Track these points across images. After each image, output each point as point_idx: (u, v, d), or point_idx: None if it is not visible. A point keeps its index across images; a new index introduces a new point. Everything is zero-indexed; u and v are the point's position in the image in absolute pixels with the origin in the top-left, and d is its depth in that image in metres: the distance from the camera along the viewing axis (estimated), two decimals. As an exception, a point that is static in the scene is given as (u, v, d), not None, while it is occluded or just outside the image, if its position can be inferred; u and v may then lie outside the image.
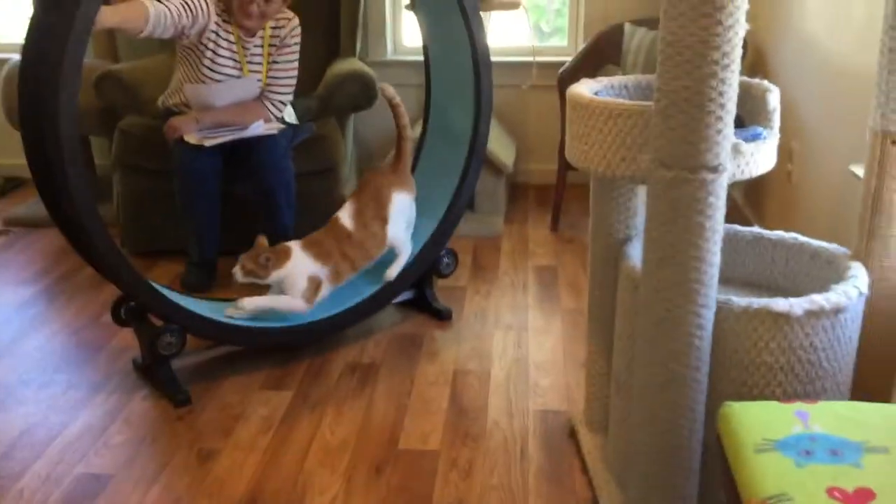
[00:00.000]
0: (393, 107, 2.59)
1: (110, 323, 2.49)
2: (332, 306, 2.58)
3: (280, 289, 2.45)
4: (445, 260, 2.81)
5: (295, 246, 2.46)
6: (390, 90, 2.58)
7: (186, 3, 2.72)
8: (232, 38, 2.90)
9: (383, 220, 2.54)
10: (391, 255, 2.62)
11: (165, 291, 2.34)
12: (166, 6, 2.64)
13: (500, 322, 2.78)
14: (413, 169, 2.92)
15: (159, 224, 3.22)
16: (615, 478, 1.85)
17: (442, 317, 2.79)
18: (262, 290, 2.49)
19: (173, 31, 2.71)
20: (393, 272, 2.62)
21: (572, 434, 2.15)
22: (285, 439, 2.16)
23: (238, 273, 2.39)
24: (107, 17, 2.25)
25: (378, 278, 2.64)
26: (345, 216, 2.53)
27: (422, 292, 2.82)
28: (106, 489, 1.97)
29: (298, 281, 2.43)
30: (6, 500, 1.93)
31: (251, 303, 2.43)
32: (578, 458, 2.06)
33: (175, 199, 2.95)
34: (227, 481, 2.00)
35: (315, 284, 2.45)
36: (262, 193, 2.90)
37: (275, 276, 2.41)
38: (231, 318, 2.42)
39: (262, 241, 2.45)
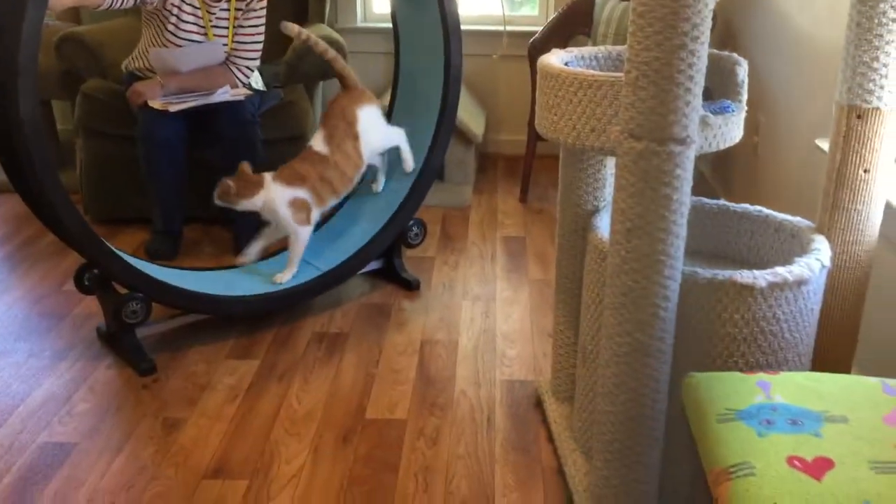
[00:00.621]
0: (304, 42, 2.57)
1: (74, 291, 2.45)
2: (300, 276, 2.56)
3: (263, 217, 2.50)
4: (414, 230, 2.81)
5: (267, 175, 2.47)
6: (291, 27, 2.52)
7: None
8: (196, 2, 2.84)
9: (355, 138, 2.54)
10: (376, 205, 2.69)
11: (130, 259, 2.31)
12: None
13: (468, 292, 2.79)
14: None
15: (123, 191, 3.17)
16: (580, 447, 1.88)
17: (410, 287, 2.79)
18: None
19: (134, 2, 2.66)
20: (408, 164, 2.68)
21: (538, 403, 2.17)
22: (252, 408, 2.15)
23: (216, 197, 2.43)
24: None
25: (344, 247, 2.64)
26: (317, 142, 2.53)
27: (390, 262, 2.82)
28: (70, 457, 1.95)
29: (279, 209, 2.45)
30: (-33, 468, 1.91)
31: (289, 273, 2.54)
32: (544, 428, 2.08)
33: (139, 165, 2.90)
34: (193, 450, 1.99)
35: (302, 206, 2.47)
36: (229, 160, 2.85)
37: (246, 204, 2.43)
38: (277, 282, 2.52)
39: (245, 167, 2.45)
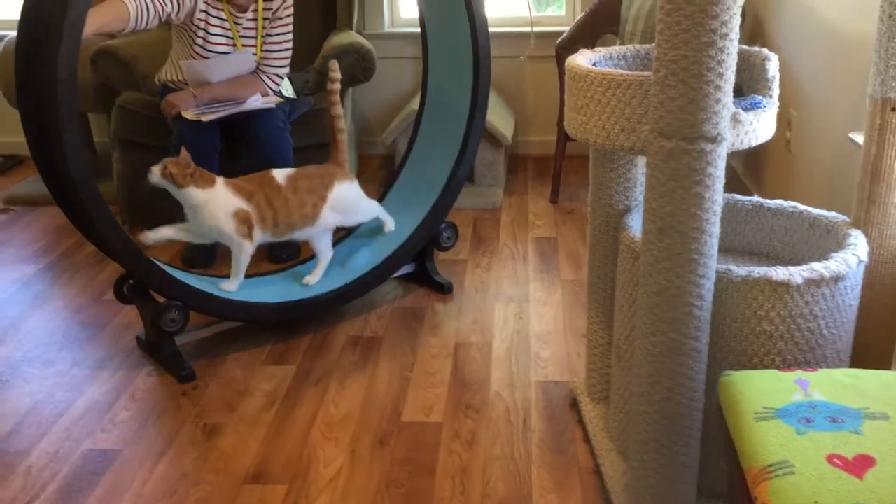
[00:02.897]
0: (330, 91, 2.52)
1: (113, 300, 2.50)
2: (333, 281, 2.59)
3: (193, 216, 2.40)
4: (446, 233, 2.81)
5: (219, 179, 2.42)
6: (334, 72, 2.51)
7: None
8: (223, 15, 2.88)
9: (321, 199, 2.50)
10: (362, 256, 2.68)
11: (167, 268, 2.34)
12: None
13: (500, 294, 2.79)
14: (411, 142, 2.91)
15: (159, 201, 3.21)
16: (617, 446, 1.87)
17: (443, 290, 2.80)
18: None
19: (158, 22, 2.71)
20: (388, 226, 2.66)
21: (574, 404, 2.17)
22: (289, 414, 2.18)
23: (155, 173, 2.34)
24: (86, 25, 2.21)
25: (377, 251, 2.65)
26: (278, 173, 2.49)
27: (422, 265, 2.83)
28: (113, 465, 1.99)
29: (220, 216, 2.38)
30: (14, 476, 1.95)
31: (233, 284, 2.47)
32: (580, 428, 2.08)
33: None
34: (233, 456, 2.02)
35: (244, 219, 2.40)
36: (261, 168, 2.89)
37: (191, 192, 2.35)
38: (225, 291, 2.46)
39: (187, 154, 2.38)
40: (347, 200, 2.57)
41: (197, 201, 2.37)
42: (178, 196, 2.38)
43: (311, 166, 2.57)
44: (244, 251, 2.44)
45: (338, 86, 2.52)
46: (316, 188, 2.50)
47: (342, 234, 2.86)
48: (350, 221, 2.64)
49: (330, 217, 2.54)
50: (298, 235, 2.55)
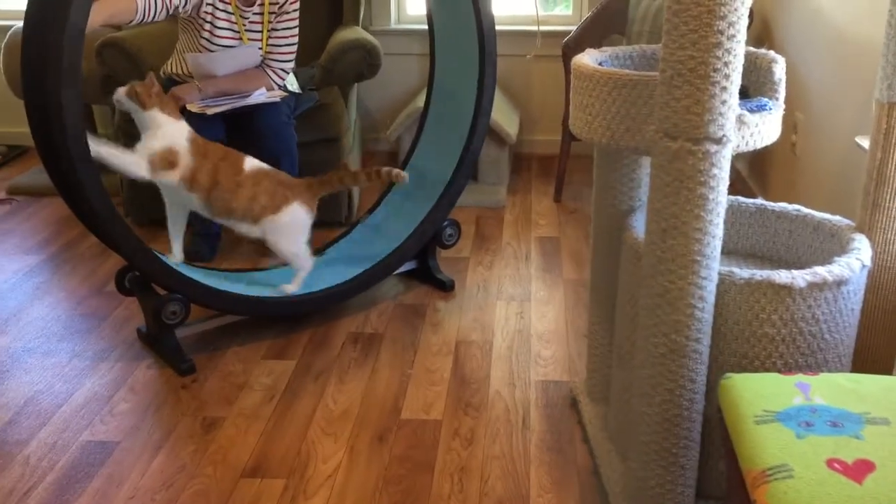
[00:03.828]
0: (387, 177, 2.50)
1: (114, 292, 2.50)
2: (334, 277, 2.58)
3: (143, 135, 2.33)
4: (448, 230, 2.81)
5: (185, 123, 2.37)
6: (399, 176, 2.50)
7: None
8: (230, 8, 2.87)
9: (271, 209, 2.41)
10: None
11: (169, 261, 2.34)
12: None
13: (502, 293, 2.79)
14: (416, 139, 2.91)
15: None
16: (616, 447, 1.87)
17: (445, 287, 2.79)
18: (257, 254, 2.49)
19: (166, 14, 2.71)
20: (294, 287, 2.51)
21: (574, 404, 2.16)
22: (288, 408, 2.18)
23: (121, 93, 2.30)
24: (93, 16, 2.20)
25: (379, 248, 2.65)
26: (249, 161, 2.44)
27: (425, 263, 2.83)
28: (111, 456, 1.99)
29: (158, 135, 2.29)
30: (13, 466, 1.95)
31: (101, 150, 2.22)
32: (580, 428, 2.08)
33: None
34: (231, 450, 2.01)
35: (167, 159, 2.29)
36: (266, 161, 2.88)
37: (152, 116, 2.29)
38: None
39: (153, 77, 2.34)
40: (289, 223, 2.45)
41: (154, 122, 2.30)
42: (139, 120, 2.31)
43: (288, 177, 2.52)
44: (135, 169, 2.27)
45: (386, 181, 2.51)
46: (275, 196, 2.42)
47: (343, 231, 2.86)
48: (274, 246, 2.49)
49: (272, 228, 2.44)
50: (236, 227, 2.45)
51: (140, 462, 1.97)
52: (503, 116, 3.66)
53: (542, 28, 3.83)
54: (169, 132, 2.33)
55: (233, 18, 2.89)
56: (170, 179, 2.33)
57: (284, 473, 1.93)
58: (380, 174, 2.50)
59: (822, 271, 1.49)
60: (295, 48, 3.00)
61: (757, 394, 1.30)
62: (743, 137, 1.51)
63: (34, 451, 2.01)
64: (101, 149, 2.21)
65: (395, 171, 2.50)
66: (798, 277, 1.48)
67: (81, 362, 2.39)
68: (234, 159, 2.43)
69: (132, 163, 2.29)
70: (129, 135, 3.18)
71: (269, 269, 2.70)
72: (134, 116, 2.34)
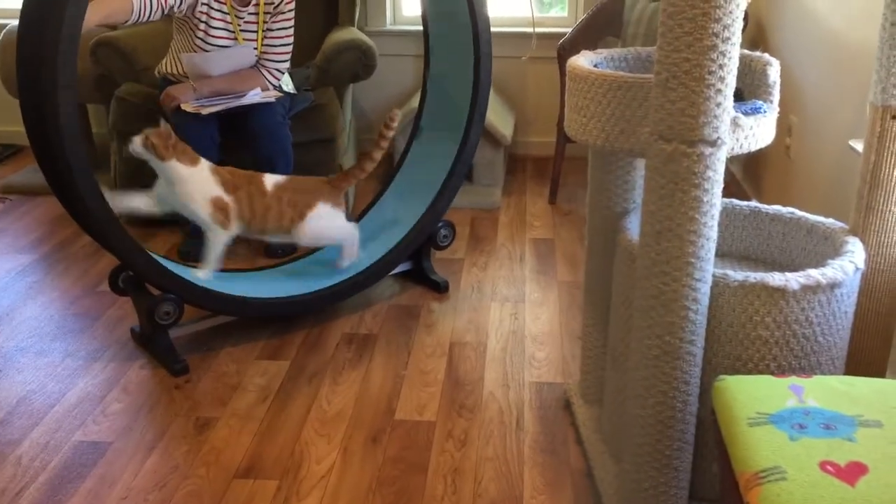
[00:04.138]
0: (385, 129, 2.50)
1: (108, 292, 2.49)
2: (329, 277, 2.58)
3: (169, 192, 2.36)
4: (443, 231, 2.81)
5: (205, 161, 2.39)
6: (396, 118, 2.51)
7: None
8: (225, 8, 2.87)
9: (299, 216, 2.47)
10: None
11: (163, 261, 2.33)
12: None
13: (496, 294, 2.79)
14: (411, 139, 2.91)
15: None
16: (609, 449, 1.87)
17: (439, 288, 2.79)
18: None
19: (161, 14, 2.70)
20: (348, 261, 2.60)
21: (567, 406, 2.16)
22: (282, 409, 2.17)
23: (137, 143, 2.30)
24: (89, 16, 2.19)
25: (374, 249, 2.65)
26: (268, 179, 2.47)
27: (419, 264, 2.83)
28: (104, 456, 1.98)
29: (198, 198, 2.35)
30: (5, 466, 1.95)
31: (206, 272, 2.42)
32: (573, 430, 2.08)
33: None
34: (224, 450, 2.01)
35: (221, 208, 2.38)
36: (260, 162, 2.89)
37: (173, 166, 2.31)
38: (198, 279, 2.41)
39: (168, 127, 2.35)
40: (321, 223, 2.52)
41: (178, 176, 2.34)
42: (158, 168, 2.34)
43: (305, 179, 2.55)
44: (218, 238, 2.41)
45: (391, 134, 2.50)
46: (299, 203, 2.47)
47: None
48: (315, 243, 2.61)
49: (302, 234, 2.50)
50: (268, 239, 2.55)
51: (133, 462, 1.96)
52: (498, 118, 3.66)
53: (538, 30, 3.83)
54: (198, 181, 2.36)
55: (228, 18, 2.89)
56: (232, 230, 2.42)
57: (278, 474, 1.93)
58: (384, 135, 2.50)
59: (815, 274, 1.50)
60: (290, 48, 3.00)
61: (750, 396, 1.30)
62: (737, 140, 1.51)
63: (26, 451, 2.00)
64: (209, 263, 2.40)
65: (389, 115, 2.49)
66: (792, 280, 1.48)
67: (74, 362, 2.38)
68: (257, 181, 2.46)
69: (216, 238, 2.40)
70: (123, 135, 3.18)
71: (264, 269, 2.69)
72: (151, 164, 2.35)
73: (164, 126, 2.34)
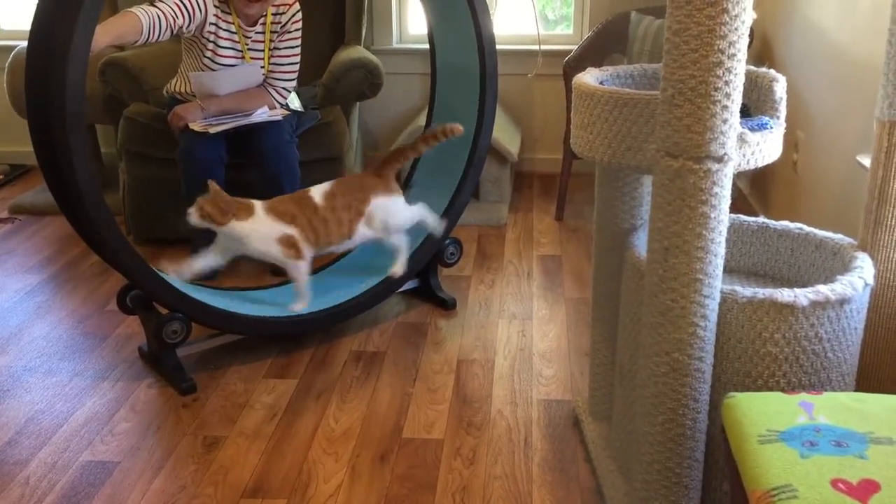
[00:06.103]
0: (441, 134, 2.49)
1: (116, 311, 2.49)
2: (336, 295, 2.58)
3: (237, 246, 2.39)
4: (450, 249, 2.81)
5: (257, 205, 2.40)
6: (458, 132, 2.51)
7: (181, 1, 2.71)
8: (232, 27, 2.89)
9: (358, 214, 2.47)
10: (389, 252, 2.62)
11: (170, 280, 2.34)
12: (159, 9, 2.63)
13: (504, 311, 2.78)
14: (418, 158, 2.91)
15: (165, 212, 3.22)
16: (619, 467, 1.86)
17: (446, 306, 2.79)
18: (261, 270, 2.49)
19: (170, 34, 2.72)
20: (398, 269, 2.62)
21: (576, 423, 2.15)
22: (290, 428, 2.17)
23: (194, 216, 2.31)
24: (99, 37, 2.21)
25: (381, 267, 2.65)
26: (315, 192, 2.47)
27: (426, 281, 2.82)
28: (112, 476, 1.98)
29: (268, 244, 2.37)
30: (13, 486, 1.94)
31: (302, 304, 2.50)
32: (582, 447, 2.07)
33: (180, 187, 2.95)
34: (232, 469, 2.00)
35: (290, 243, 2.39)
36: (268, 180, 2.90)
37: (233, 227, 2.33)
38: (294, 311, 2.47)
39: (216, 187, 2.35)
40: (382, 215, 2.51)
41: (241, 234, 2.35)
42: (220, 232, 2.36)
43: (350, 177, 2.54)
44: (300, 271, 2.45)
45: (442, 141, 2.51)
46: (352, 203, 2.47)
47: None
48: (386, 234, 2.56)
49: (365, 231, 2.51)
50: (335, 249, 2.54)
51: (140, 482, 1.96)
52: (505, 135, 3.67)
53: (544, 47, 3.84)
54: (260, 230, 2.37)
55: (235, 38, 2.91)
56: (307, 257, 2.44)
57: (286, 493, 1.92)
58: (435, 136, 2.50)
59: (824, 290, 1.49)
60: (297, 67, 3.01)
61: (760, 413, 1.29)
62: (744, 156, 1.51)
63: (34, 471, 2.00)
64: (300, 291, 2.48)
65: (448, 125, 2.49)
66: (801, 296, 1.48)
67: (82, 381, 2.38)
68: (306, 200, 2.46)
69: (296, 271, 2.45)
70: (131, 154, 3.21)
71: (271, 287, 2.69)
72: (215, 230, 2.37)
73: (212, 186, 2.33)
